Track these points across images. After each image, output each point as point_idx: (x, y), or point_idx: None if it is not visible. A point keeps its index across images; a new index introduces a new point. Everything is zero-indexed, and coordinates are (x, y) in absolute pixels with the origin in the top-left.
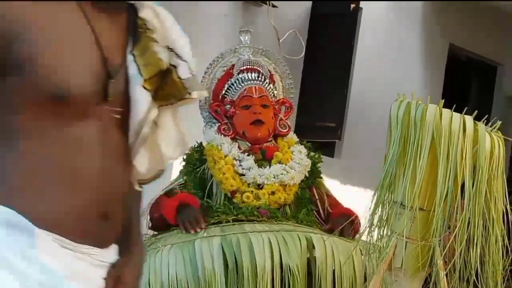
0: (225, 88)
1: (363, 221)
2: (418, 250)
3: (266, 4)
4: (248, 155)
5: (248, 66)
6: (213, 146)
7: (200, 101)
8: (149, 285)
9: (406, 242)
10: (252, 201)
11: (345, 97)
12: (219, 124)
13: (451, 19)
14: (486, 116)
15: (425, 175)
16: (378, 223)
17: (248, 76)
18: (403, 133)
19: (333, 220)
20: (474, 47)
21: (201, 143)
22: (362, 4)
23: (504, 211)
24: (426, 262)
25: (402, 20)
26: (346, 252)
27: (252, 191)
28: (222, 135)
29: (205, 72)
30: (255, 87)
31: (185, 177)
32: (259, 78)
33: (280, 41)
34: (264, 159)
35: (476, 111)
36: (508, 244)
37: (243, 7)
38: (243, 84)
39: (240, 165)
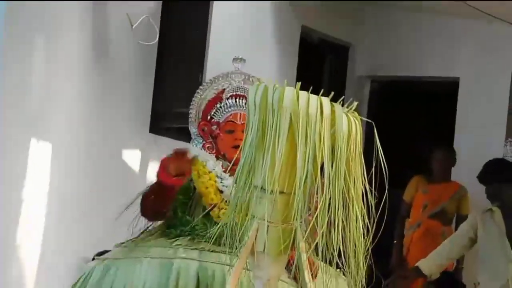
0: (214, 110)
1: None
2: (280, 233)
3: None
4: (229, 175)
5: (238, 93)
6: (199, 161)
7: (190, 117)
8: None
9: (268, 225)
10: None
11: (201, 83)
12: (204, 142)
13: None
14: (343, 97)
15: (285, 159)
16: (240, 208)
17: (235, 102)
18: (261, 117)
19: None
20: (326, 28)
21: None
22: None
23: (363, 191)
24: (288, 245)
25: (254, 3)
26: None
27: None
28: (205, 151)
29: (197, 92)
30: (240, 113)
31: None
32: (246, 105)
33: (133, 27)
34: None
35: (332, 93)
36: (368, 223)
37: None
38: (229, 109)
39: (221, 183)
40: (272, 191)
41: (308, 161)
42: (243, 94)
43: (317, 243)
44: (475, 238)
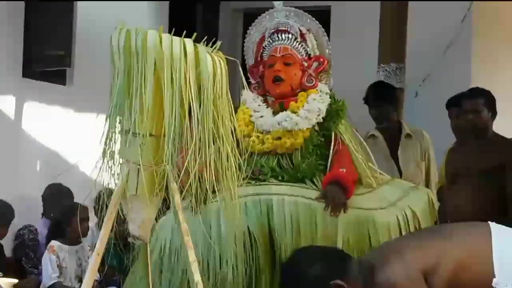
0: (261, 51)
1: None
2: (152, 175)
3: None
4: (267, 107)
5: (278, 28)
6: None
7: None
8: None
9: (139, 168)
10: (258, 145)
11: (71, 25)
12: (253, 83)
13: None
14: (206, 37)
15: (152, 102)
16: (111, 153)
17: (276, 37)
18: (127, 62)
19: (324, 191)
20: None
21: None
22: None
23: (232, 128)
24: (162, 187)
25: None
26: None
27: (258, 136)
28: (251, 91)
29: (246, 37)
30: (280, 47)
31: None
32: (286, 38)
33: None
34: (282, 110)
35: (195, 33)
36: (240, 159)
37: None
38: (272, 45)
39: (255, 115)
40: (142, 134)
41: (175, 103)
42: (284, 28)
43: (190, 183)
44: None
